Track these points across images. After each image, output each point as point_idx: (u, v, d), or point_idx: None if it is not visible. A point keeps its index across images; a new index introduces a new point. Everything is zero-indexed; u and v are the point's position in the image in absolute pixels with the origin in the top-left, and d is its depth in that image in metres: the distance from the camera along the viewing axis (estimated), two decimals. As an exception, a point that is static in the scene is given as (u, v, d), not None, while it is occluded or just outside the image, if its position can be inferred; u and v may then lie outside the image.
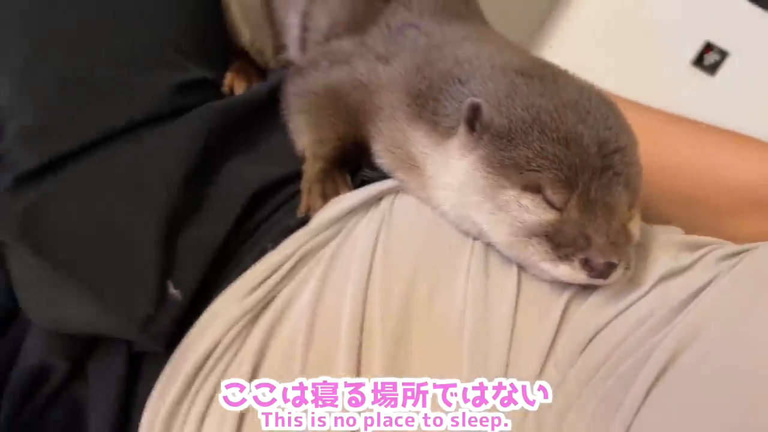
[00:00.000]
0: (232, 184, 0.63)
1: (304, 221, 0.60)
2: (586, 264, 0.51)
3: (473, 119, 0.54)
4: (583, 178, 0.51)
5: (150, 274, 0.56)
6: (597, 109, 0.54)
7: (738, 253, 0.54)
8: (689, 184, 0.70)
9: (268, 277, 0.56)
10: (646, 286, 0.53)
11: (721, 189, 0.68)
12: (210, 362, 0.53)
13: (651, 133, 0.72)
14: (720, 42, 1.36)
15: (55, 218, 0.57)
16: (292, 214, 0.61)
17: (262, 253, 0.58)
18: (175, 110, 0.67)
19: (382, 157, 0.62)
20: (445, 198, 0.57)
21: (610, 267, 0.51)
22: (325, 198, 0.61)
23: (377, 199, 0.61)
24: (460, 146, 0.56)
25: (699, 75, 1.39)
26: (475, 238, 0.56)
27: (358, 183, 0.64)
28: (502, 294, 0.53)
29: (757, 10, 1.33)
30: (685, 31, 1.38)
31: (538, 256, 0.52)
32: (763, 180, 0.67)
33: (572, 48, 1.44)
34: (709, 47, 1.37)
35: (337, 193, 0.61)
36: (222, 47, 0.79)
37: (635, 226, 0.55)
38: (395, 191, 0.62)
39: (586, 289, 0.53)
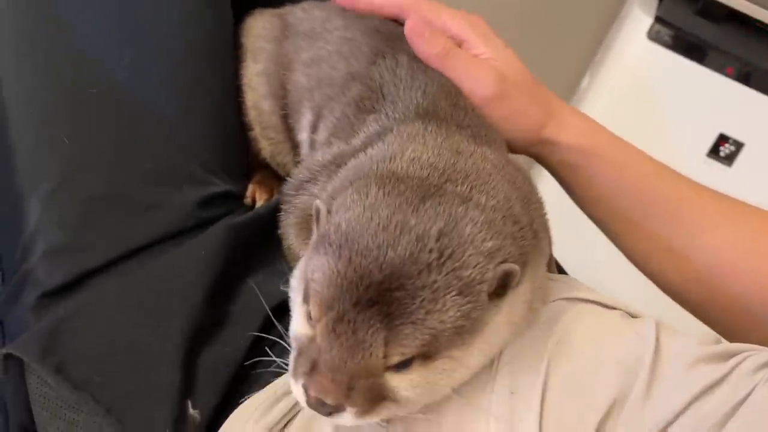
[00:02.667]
0: (252, 300, 0.64)
1: None
2: (305, 390, 0.47)
3: (317, 219, 0.53)
4: (343, 303, 0.45)
5: (169, 395, 0.55)
6: (424, 241, 0.46)
7: None
8: (740, 288, 0.67)
9: (285, 395, 0.55)
10: (680, 405, 0.50)
11: None
12: None
13: (736, 230, 0.70)
14: (734, 133, 1.38)
15: (77, 338, 0.58)
16: None
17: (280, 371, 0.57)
18: (198, 224, 0.68)
19: None
20: None
21: (323, 405, 0.46)
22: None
23: None
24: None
25: (716, 166, 1.40)
26: None
27: None
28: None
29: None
30: (699, 124, 1.40)
31: (290, 369, 0.50)
32: None
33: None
34: (724, 139, 1.38)
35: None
36: (245, 160, 0.82)
37: (405, 383, 0.48)
38: None
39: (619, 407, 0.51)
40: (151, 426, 0.54)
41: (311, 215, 0.63)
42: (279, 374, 0.59)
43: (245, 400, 0.58)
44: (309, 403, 0.47)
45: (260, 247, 0.69)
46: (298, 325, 0.50)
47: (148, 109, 0.71)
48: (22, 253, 0.65)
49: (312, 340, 0.48)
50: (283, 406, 0.54)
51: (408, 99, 0.67)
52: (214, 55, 0.78)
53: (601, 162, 0.73)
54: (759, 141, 1.38)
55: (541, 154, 0.75)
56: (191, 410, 0.56)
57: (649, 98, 1.43)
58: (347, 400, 0.46)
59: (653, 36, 1.38)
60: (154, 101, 0.72)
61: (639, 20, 1.40)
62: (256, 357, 0.60)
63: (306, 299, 0.49)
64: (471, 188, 0.52)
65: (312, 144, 0.76)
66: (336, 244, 0.48)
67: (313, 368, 0.47)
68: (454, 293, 0.46)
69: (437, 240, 0.47)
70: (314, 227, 0.53)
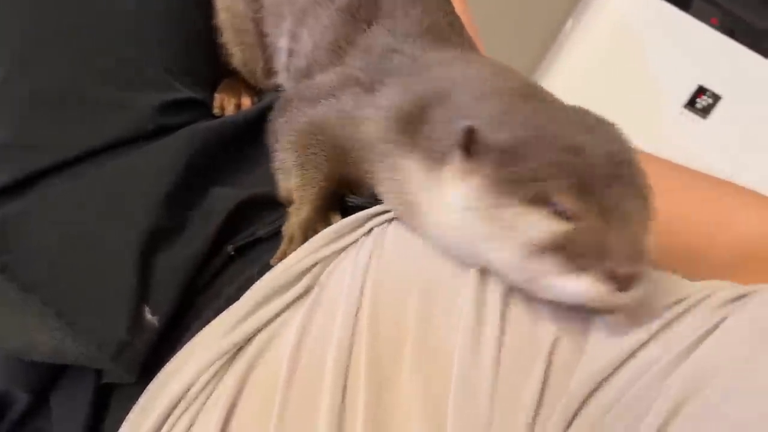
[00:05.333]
0: (213, 206, 0.61)
1: None
2: (609, 274, 0.46)
3: (468, 143, 0.51)
4: (598, 184, 0.47)
5: (125, 298, 0.52)
6: (601, 124, 0.52)
7: (746, 295, 0.51)
8: (689, 237, 0.67)
9: (253, 312, 0.52)
10: (649, 329, 0.49)
11: (720, 244, 0.66)
12: (183, 403, 0.49)
13: (654, 181, 0.70)
14: (713, 86, 1.38)
15: (26, 238, 0.54)
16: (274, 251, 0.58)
17: (249, 281, 0.55)
18: (159, 129, 0.64)
19: (383, 197, 0.59)
20: (444, 228, 0.53)
21: (633, 279, 0.46)
22: None
23: (368, 229, 0.58)
24: (457, 172, 0.52)
25: (691, 118, 1.40)
26: (477, 269, 0.53)
27: (344, 209, 0.62)
28: (489, 343, 0.49)
29: (750, 54, 1.34)
30: (679, 74, 1.39)
31: (554, 271, 0.47)
32: (763, 237, 0.64)
33: (566, 89, 1.44)
34: (702, 91, 1.38)
35: None
36: (213, 68, 0.77)
37: (651, 245, 0.50)
38: (387, 218, 0.59)
39: (573, 333, 0.49)
40: (104, 330, 0.51)
41: (325, 128, 0.61)
42: (238, 287, 0.57)
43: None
44: (621, 285, 0.46)
45: (228, 154, 0.65)
46: (542, 229, 0.47)
47: (106, 3, 0.67)
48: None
49: (574, 232, 0.47)
50: (242, 331, 0.51)
51: (408, 14, 0.65)
52: None
53: None
54: (736, 95, 1.38)
55: None
56: (149, 316, 0.53)
57: (632, 45, 1.41)
58: (647, 264, 0.47)
59: (640, -20, 1.36)
60: None
61: (627, -37, 1.37)
62: (215, 267, 0.58)
63: (538, 201, 0.47)
64: (539, 87, 0.56)
65: (291, 53, 0.71)
66: (539, 144, 0.48)
67: (604, 251, 0.46)
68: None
69: (597, 122, 0.52)
70: (460, 153, 0.51)
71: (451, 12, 0.70)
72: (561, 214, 0.47)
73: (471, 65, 0.59)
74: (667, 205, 0.67)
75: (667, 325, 0.49)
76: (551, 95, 0.56)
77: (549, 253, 0.47)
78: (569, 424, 0.45)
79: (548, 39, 1.67)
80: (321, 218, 0.60)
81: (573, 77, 1.47)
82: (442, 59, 0.60)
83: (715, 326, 0.48)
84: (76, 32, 0.65)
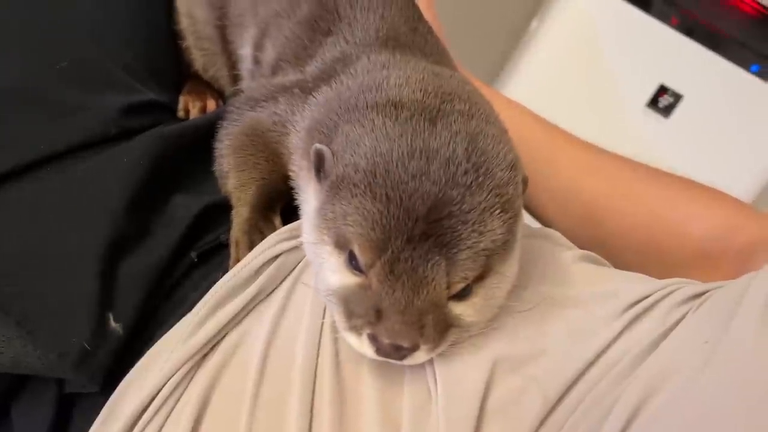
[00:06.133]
0: (176, 212, 0.60)
1: None
2: (374, 340, 0.45)
3: (319, 165, 0.49)
4: (396, 243, 0.43)
5: (87, 305, 0.51)
6: (456, 162, 0.45)
7: (703, 293, 0.52)
8: (644, 233, 0.68)
9: (213, 314, 0.52)
10: (613, 332, 0.49)
11: (674, 241, 0.67)
12: (151, 409, 0.48)
13: (611, 178, 0.72)
14: (674, 85, 1.40)
15: None
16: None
17: (212, 284, 0.54)
18: (122, 133, 0.62)
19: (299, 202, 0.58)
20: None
21: (398, 350, 0.44)
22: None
23: None
24: (312, 193, 0.51)
25: (654, 117, 1.42)
26: None
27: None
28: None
29: (710, 54, 1.37)
30: (641, 74, 1.42)
31: (339, 322, 0.47)
32: (714, 235, 0.66)
33: (531, 89, 1.46)
34: (663, 90, 1.41)
35: None
36: (176, 70, 0.76)
37: (469, 309, 0.47)
38: None
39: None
40: (66, 338, 0.50)
41: (260, 131, 0.60)
42: (202, 293, 0.56)
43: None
44: (382, 352, 0.45)
45: (191, 159, 0.64)
46: (337, 276, 0.47)
47: (67, 3, 0.65)
48: None
49: (363, 287, 0.45)
50: (204, 333, 0.51)
51: (366, 22, 0.64)
52: None
53: None
54: (697, 94, 1.40)
55: None
56: (113, 323, 0.52)
57: (595, 45, 1.43)
58: (422, 338, 0.44)
59: (603, -19, 1.38)
60: None
61: (590, -36, 1.39)
62: (179, 273, 0.57)
63: (341, 246, 0.46)
64: (468, 105, 0.50)
65: (256, 61, 0.71)
66: (363, 183, 0.45)
67: (377, 316, 0.44)
68: (498, 211, 0.45)
69: (467, 160, 0.45)
70: (314, 174, 0.50)
71: (417, 18, 0.69)
72: (354, 266, 0.46)
73: (383, 72, 0.56)
74: (627, 200, 0.69)
75: (629, 325, 0.50)
76: (458, 108, 0.51)
77: (336, 302, 0.47)
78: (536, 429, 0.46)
79: (513, 39, 1.69)
80: (263, 218, 0.59)
81: (538, 77, 1.48)
82: (371, 67, 0.58)
83: (675, 324, 0.49)
84: (35, 32, 0.64)
